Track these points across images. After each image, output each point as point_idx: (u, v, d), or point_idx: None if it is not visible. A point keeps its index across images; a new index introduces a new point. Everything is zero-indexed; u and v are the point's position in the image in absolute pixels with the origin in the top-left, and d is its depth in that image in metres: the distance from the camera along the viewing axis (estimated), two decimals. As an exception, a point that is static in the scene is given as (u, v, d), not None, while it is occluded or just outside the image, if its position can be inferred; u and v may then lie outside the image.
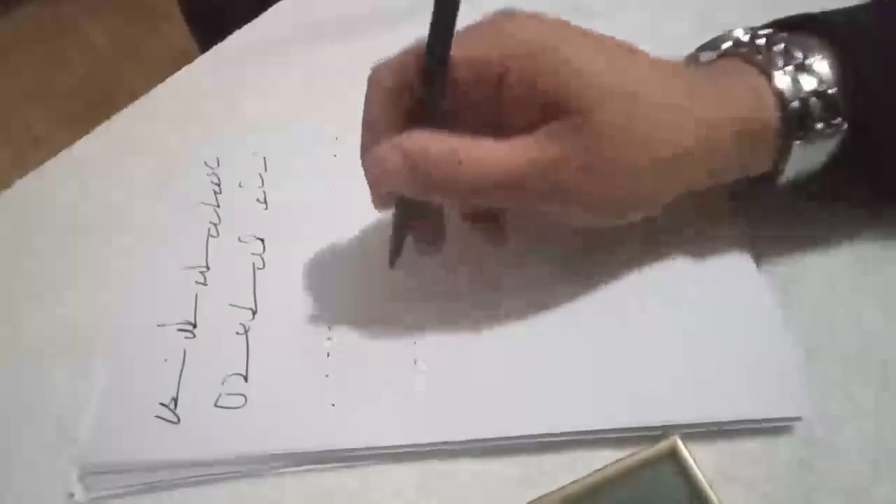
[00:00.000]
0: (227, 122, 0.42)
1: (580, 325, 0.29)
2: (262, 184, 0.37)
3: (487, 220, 0.30)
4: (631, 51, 0.27)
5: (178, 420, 0.28)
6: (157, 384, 0.29)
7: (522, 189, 0.25)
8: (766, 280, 0.29)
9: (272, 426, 0.27)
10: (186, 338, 0.30)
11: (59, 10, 1.79)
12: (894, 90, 0.27)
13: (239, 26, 0.48)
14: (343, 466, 0.27)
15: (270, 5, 0.50)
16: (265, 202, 0.36)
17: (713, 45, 0.31)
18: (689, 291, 0.29)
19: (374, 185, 0.27)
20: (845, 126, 0.26)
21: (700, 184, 0.28)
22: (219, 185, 0.37)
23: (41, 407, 0.30)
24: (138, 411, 0.28)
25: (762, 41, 0.28)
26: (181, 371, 0.29)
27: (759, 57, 0.27)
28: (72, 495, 0.27)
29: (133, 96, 0.44)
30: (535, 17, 0.26)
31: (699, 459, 0.23)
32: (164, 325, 0.31)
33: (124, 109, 0.43)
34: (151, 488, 0.27)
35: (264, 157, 0.38)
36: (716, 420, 0.26)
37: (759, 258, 0.30)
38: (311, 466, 0.27)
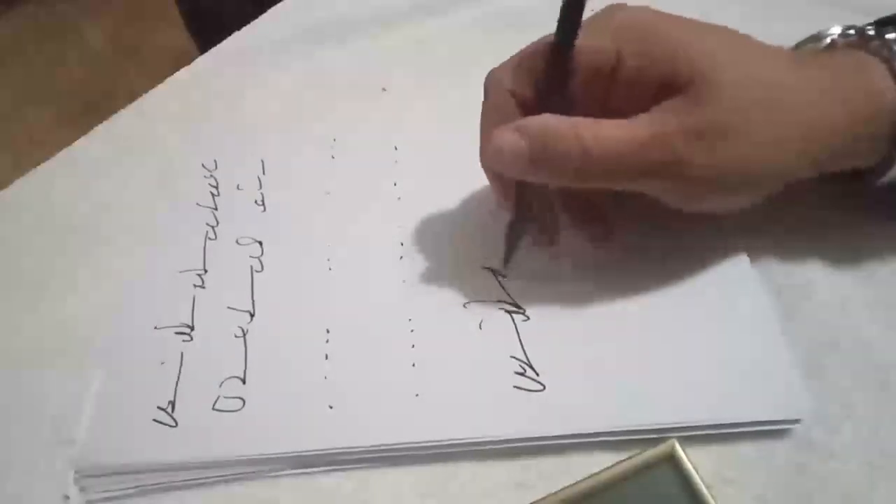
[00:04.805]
0: (226, 123, 0.42)
1: (577, 328, 0.29)
2: (261, 186, 0.37)
3: (595, 221, 0.31)
4: (741, 34, 0.27)
5: (176, 423, 0.28)
6: (155, 387, 0.29)
7: (644, 163, 0.25)
8: (764, 283, 0.29)
9: (270, 429, 0.27)
10: (184, 341, 0.30)
11: (58, 11, 1.79)
12: None
13: (239, 27, 0.48)
14: (341, 469, 0.27)
15: (270, 6, 0.50)
16: (263, 204, 0.36)
17: (813, 40, 0.30)
18: (687, 295, 0.29)
19: (495, 169, 0.28)
20: None
21: (805, 172, 0.27)
22: (217, 187, 0.37)
23: (38, 408, 0.29)
24: (135, 414, 0.28)
25: (873, 33, 0.27)
26: (179, 374, 0.29)
27: (876, 44, 0.27)
28: (67, 497, 0.27)
29: (132, 96, 0.44)
30: (645, 7, 0.27)
31: (697, 463, 0.23)
32: (161, 328, 0.31)
33: (123, 110, 0.43)
34: (148, 491, 0.26)
35: (262, 160, 0.38)
36: (714, 423, 0.26)
37: (757, 264, 0.30)
38: (309, 469, 0.27)
